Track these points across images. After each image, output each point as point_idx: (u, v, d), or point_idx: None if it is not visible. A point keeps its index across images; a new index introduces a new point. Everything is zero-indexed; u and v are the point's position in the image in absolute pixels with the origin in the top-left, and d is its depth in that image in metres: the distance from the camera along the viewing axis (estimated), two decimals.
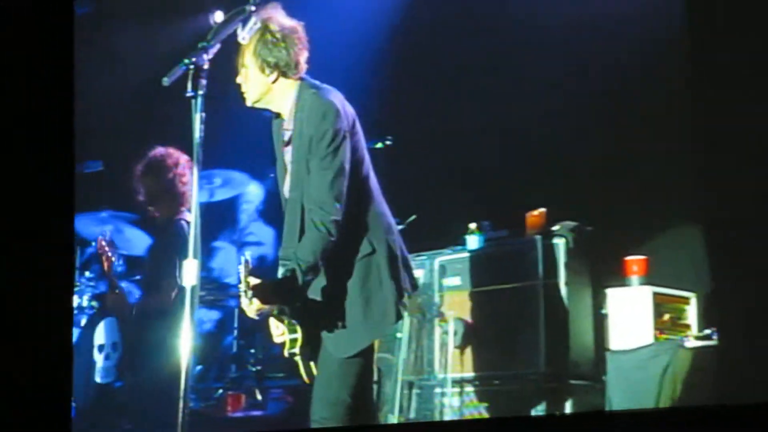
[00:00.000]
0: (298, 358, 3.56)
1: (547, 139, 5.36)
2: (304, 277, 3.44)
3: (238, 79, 3.72)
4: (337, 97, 3.63)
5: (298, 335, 3.53)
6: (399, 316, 3.68)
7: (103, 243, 5.85)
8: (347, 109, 3.63)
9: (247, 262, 3.40)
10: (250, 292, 3.39)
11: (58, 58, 3.98)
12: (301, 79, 3.67)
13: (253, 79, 3.65)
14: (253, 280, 3.42)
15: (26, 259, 3.81)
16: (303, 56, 3.66)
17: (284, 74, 3.62)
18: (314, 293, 3.59)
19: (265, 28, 3.62)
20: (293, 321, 3.53)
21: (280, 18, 3.66)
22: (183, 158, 5.64)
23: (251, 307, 3.43)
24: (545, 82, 5.35)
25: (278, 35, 3.60)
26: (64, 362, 3.88)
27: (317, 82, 3.70)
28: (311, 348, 3.56)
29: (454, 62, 5.73)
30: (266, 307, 3.47)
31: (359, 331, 3.56)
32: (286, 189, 3.69)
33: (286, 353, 3.58)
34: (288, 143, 3.66)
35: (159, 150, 5.75)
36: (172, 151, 5.71)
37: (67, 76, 4.10)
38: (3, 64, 3.93)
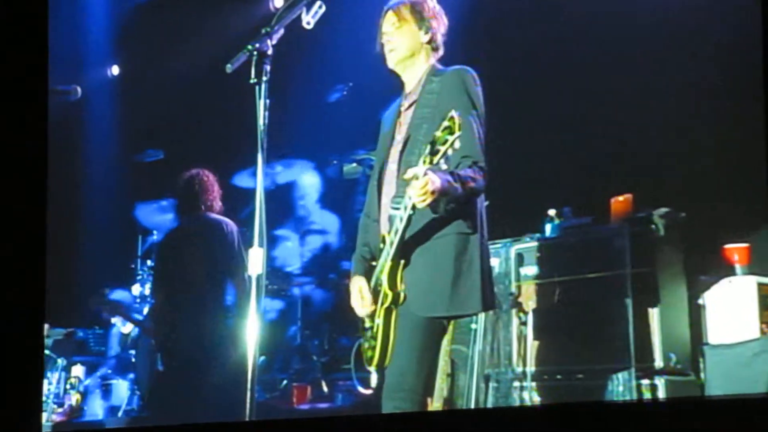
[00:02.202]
0: (378, 333, 3.43)
1: (633, 120, 5.15)
2: (463, 186, 3.33)
3: (385, 39, 3.68)
4: None
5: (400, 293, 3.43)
6: (488, 306, 3.51)
7: None
8: None
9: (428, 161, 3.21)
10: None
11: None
12: (432, 65, 3.69)
13: (407, 34, 3.64)
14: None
15: None
16: (441, 47, 3.69)
17: (430, 42, 3.65)
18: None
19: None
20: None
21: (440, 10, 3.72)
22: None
23: (424, 192, 3.22)
24: (635, 67, 5.18)
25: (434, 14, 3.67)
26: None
27: None
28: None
29: (536, 47, 5.60)
30: (436, 195, 3.24)
31: (444, 299, 3.42)
32: (393, 156, 3.58)
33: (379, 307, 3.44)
34: (409, 107, 3.63)
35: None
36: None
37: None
38: None
